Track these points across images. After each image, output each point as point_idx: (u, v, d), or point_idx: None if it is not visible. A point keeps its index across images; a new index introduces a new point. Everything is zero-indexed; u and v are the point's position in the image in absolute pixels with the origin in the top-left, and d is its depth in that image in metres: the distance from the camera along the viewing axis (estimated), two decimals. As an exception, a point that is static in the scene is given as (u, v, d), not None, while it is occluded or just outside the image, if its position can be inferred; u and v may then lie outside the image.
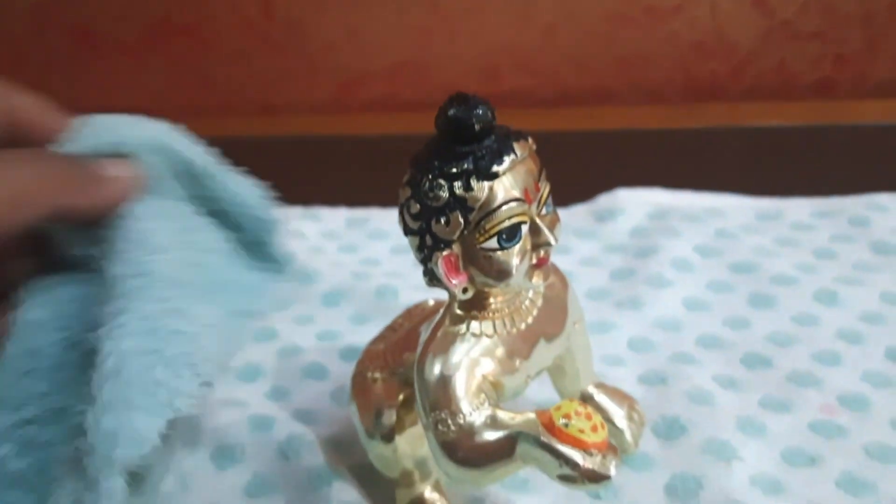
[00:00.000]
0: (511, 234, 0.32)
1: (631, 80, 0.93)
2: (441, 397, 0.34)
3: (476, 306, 0.34)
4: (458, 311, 0.35)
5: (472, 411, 0.33)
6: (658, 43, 0.91)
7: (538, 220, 0.32)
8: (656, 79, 0.93)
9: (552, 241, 0.33)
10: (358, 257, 0.62)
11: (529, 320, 0.35)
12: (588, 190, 0.68)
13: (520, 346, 0.35)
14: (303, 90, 0.98)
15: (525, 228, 0.32)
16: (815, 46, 0.89)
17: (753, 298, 0.54)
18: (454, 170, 0.31)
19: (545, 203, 0.33)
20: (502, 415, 0.33)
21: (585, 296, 0.56)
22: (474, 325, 0.34)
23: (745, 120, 0.83)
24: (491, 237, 0.32)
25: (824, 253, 0.59)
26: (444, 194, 0.31)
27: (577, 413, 0.32)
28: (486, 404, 0.34)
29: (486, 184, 0.31)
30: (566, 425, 0.32)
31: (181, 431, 0.45)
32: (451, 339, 0.34)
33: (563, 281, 0.38)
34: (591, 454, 0.32)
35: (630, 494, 0.40)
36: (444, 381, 0.34)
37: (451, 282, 0.33)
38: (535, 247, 0.33)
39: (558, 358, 0.39)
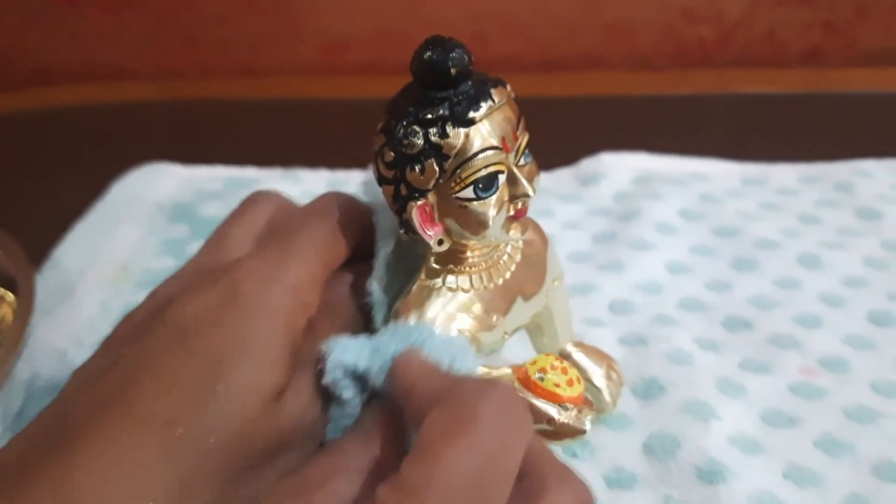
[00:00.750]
0: (488, 184, 0.31)
1: (619, 46, 0.92)
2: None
3: (452, 260, 0.34)
4: (435, 265, 0.34)
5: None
6: (646, 9, 0.90)
7: (516, 170, 0.32)
8: (645, 45, 0.92)
9: (530, 192, 0.32)
10: None
11: (507, 275, 0.35)
12: (575, 155, 0.67)
13: (497, 302, 0.35)
14: (287, 53, 0.97)
15: (502, 178, 0.32)
16: (804, 14, 0.88)
17: (736, 262, 0.54)
18: (429, 116, 0.31)
19: (523, 153, 0.32)
20: (478, 369, 0.33)
21: (568, 258, 0.56)
22: (450, 279, 0.34)
23: (734, 87, 0.83)
24: (467, 186, 0.31)
25: (809, 218, 0.59)
26: (419, 141, 0.31)
27: (552, 367, 0.32)
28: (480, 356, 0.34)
29: (462, 130, 0.31)
30: (541, 379, 0.32)
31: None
32: (427, 294, 0.34)
33: (542, 238, 0.38)
34: (566, 408, 0.32)
35: (608, 453, 0.40)
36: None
37: (426, 233, 0.32)
38: (513, 198, 0.32)
39: (536, 316, 0.39)
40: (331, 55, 0.96)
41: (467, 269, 0.34)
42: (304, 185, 0.66)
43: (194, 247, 0.58)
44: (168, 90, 0.93)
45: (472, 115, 0.31)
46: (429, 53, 0.31)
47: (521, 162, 0.33)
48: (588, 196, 0.63)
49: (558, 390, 0.32)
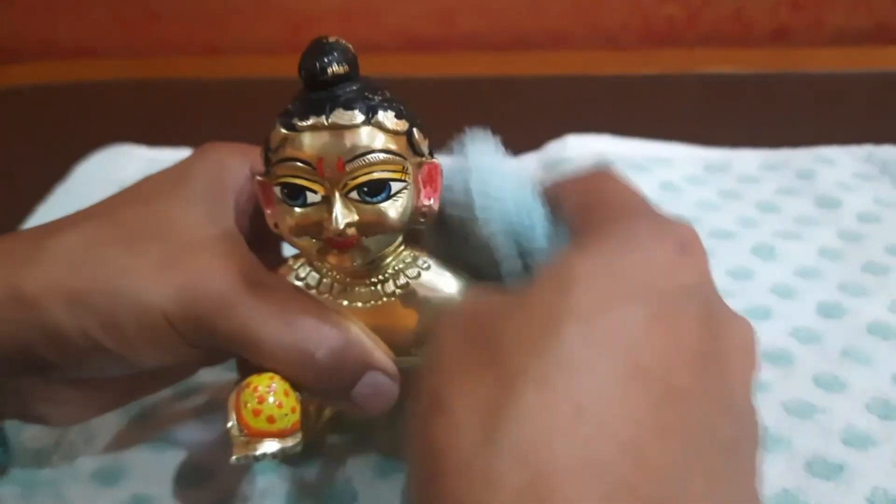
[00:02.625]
0: (293, 193, 0.32)
1: (587, 24, 0.93)
2: None
3: (311, 258, 0.35)
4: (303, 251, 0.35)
5: None
6: None
7: (335, 199, 0.31)
8: (613, 23, 0.93)
9: (332, 226, 0.31)
10: None
11: (359, 304, 0.35)
12: (541, 136, 0.68)
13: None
14: (253, 30, 0.98)
15: (312, 196, 0.31)
16: None
17: None
18: (283, 109, 0.32)
19: (354, 189, 0.31)
20: None
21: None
22: (303, 269, 0.36)
23: (702, 66, 0.84)
24: (276, 185, 0.32)
25: (767, 206, 0.60)
26: (271, 127, 0.32)
27: (254, 388, 0.33)
28: None
29: (283, 131, 0.31)
30: (243, 388, 0.33)
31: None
32: (285, 271, 0.36)
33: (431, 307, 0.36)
34: (240, 429, 0.33)
35: None
36: None
37: (265, 210, 0.34)
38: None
39: None
40: (297, 32, 0.97)
41: (323, 270, 0.36)
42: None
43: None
44: (131, 69, 0.93)
45: (295, 120, 0.31)
46: (305, 55, 0.31)
47: (354, 196, 0.32)
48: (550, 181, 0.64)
49: (244, 409, 0.33)
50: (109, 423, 0.44)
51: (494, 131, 0.34)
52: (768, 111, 0.76)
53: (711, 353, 0.27)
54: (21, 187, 0.67)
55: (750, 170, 0.64)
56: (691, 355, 0.26)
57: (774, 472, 0.40)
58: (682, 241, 0.30)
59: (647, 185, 0.61)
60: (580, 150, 0.66)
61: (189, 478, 0.41)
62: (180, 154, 0.67)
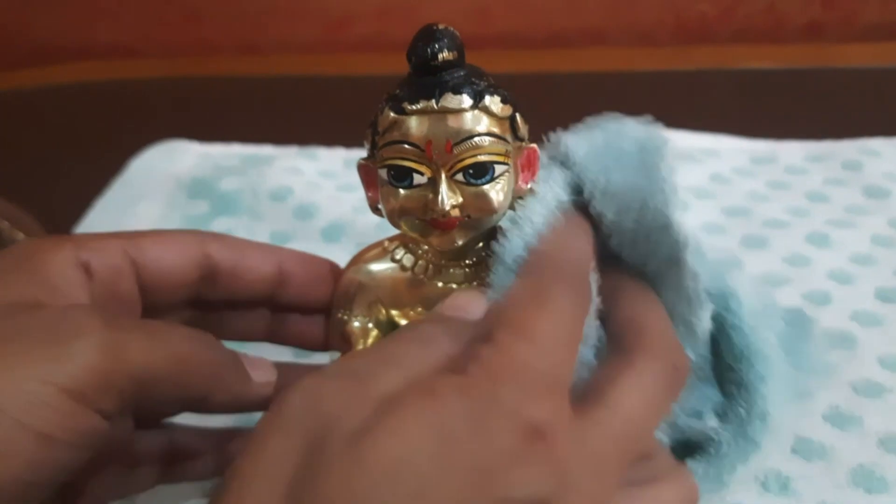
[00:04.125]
0: (399, 175, 0.33)
1: (621, 21, 0.94)
2: (337, 290, 0.39)
3: (413, 238, 0.36)
4: (402, 233, 0.36)
5: (352, 316, 0.38)
6: None
7: (441, 181, 0.32)
8: (647, 20, 0.94)
9: (437, 208, 0.32)
10: (357, 196, 0.63)
11: (453, 286, 0.36)
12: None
13: (434, 302, 0.36)
14: (290, 30, 0.99)
15: (419, 178, 0.33)
16: None
17: (746, 240, 0.56)
18: (391, 93, 0.33)
19: (460, 171, 0.33)
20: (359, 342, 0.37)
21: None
22: (400, 251, 0.37)
23: (735, 62, 0.85)
24: (383, 166, 0.33)
25: (817, 196, 0.61)
26: (378, 111, 0.33)
27: None
28: (367, 319, 0.38)
29: (392, 115, 0.32)
30: None
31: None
32: (378, 253, 0.38)
33: None
34: None
35: None
36: (343, 279, 0.39)
37: (366, 192, 0.36)
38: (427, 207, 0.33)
39: None
40: (334, 31, 0.98)
41: (419, 253, 0.37)
42: (321, 162, 0.68)
43: (215, 223, 0.60)
44: (171, 68, 0.95)
45: (405, 104, 0.32)
46: (415, 42, 0.32)
47: (460, 178, 0.33)
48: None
49: None
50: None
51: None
52: (802, 106, 0.77)
53: None
54: (67, 183, 0.69)
55: (796, 161, 0.65)
56: None
57: (848, 449, 0.41)
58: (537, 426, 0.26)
59: (698, 177, 0.63)
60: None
61: None
62: (232, 150, 0.70)
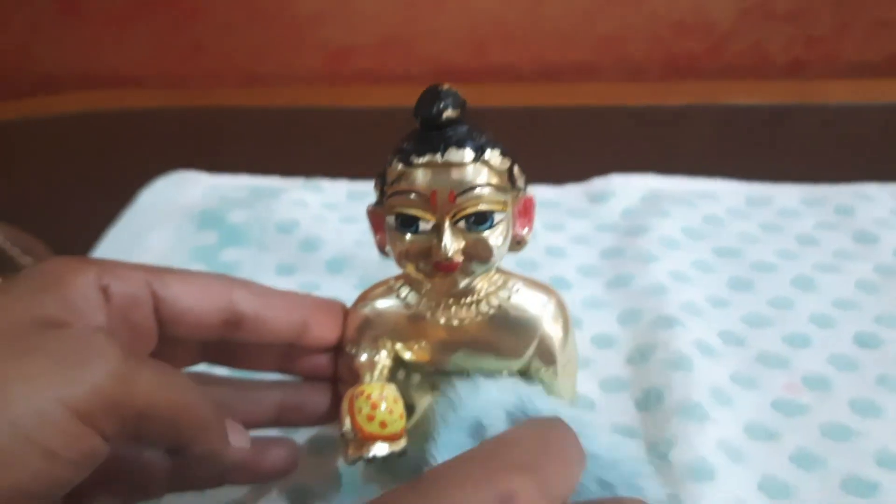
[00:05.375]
0: (406, 222, 0.37)
1: (612, 56, 0.99)
2: (345, 326, 0.42)
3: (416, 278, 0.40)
4: (407, 273, 0.40)
5: (360, 350, 0.41)
6: (639, 21, 0.97)
7: (445, 228, 0.37)
8: (637, 56, 0.99)
9: (440, 253, 0.36)
10: (360, 227, 0.67)
11: (455, 322, 0.40)
12: (570, 165, 0.74)
13: (438, 339, 0.41)
14: (291, 62, 1.04)
15: (424, 225, 0.37)
16: (788, 28, 0.96)
17: (733, 281, 0.60)
18: (399, 146, 0.37)
19: (462, 218, 0.37)
20: (366, 374, 0.40)
21: (577, 271, 0.62)
22: (405, 289, 0.41)
23: (721, 98, 0.90)
24: (390, 213, 0.38)
25: (807, 240, 0.64)
26: (387, 163, 0.38)
27: (367, 396, 0.38)
28: (374, 353, 0.41)
29: (400, 167, 0.37)
30: (357, 396, 0.38)
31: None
32: (384, 290, 0.42)
33: (554, 319, 0.41)
34: (353, 433, 0.38)
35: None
36: (351, 315, 0.42)
37: (374, 236, 0.40)
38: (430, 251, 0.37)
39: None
40: (334, 64, 1.03)
41: (423, 291, 0.41)
42: (325, 194, 0.73)
43: (223, 254, 0.65)
44: (175, 98, 0.99)
45: (412, 157, 0.36)
46: (421, 101, 0.36)
47: (462, 225, 0.37)
48: (597, 213, 0.69)
49: (357, 415, 0.38)
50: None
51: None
52: (784, 140, 0.82)
53: None
54: (73, 212, 0.73)
55: (791, 203, 0.69)
56: None
57: (812, 490, 0.45)
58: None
59: (692, 219, 0.67)
60: (625, 185, 0.72)
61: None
62: (239, 181, 0.74)
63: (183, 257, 0.65)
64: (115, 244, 0.67)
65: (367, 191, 0.71)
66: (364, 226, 0.66)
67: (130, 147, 0.89)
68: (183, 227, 0.69)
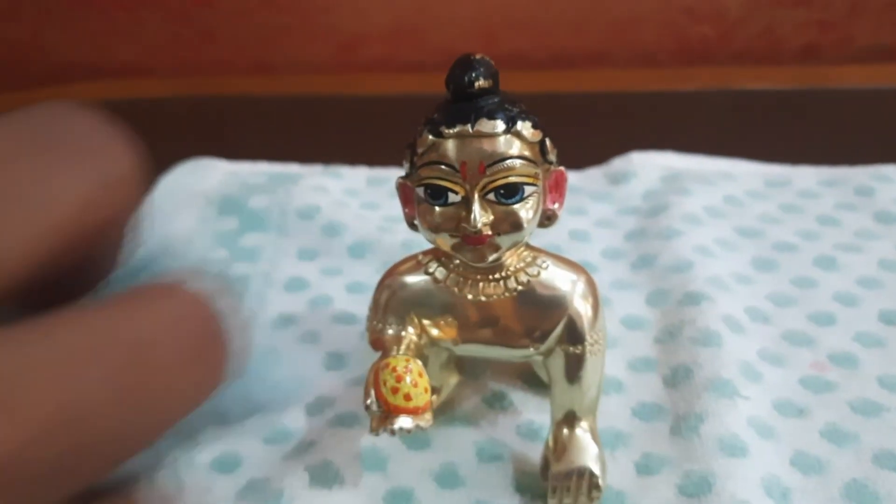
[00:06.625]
0: (435, 193, 0.37)
1: (624, 43, 1.00)
2: (373, 300, 0.43)
3: (446, 253, 0.40)
4: (436, 248, 0.40)
5: (383, 324, 0.42)
6: (650, 6, 0.97)
7: (474, 199, 0.36)
8: (648, 42, 0.99)
9: (469, 225, 0.36)
10: (380, 214, 0.68)
11: (482, 298, 0.40)
12: (585, 151, 0.72)
13: (465, 315, 0.41)
14: (302, 50, 1.04)
15: (453, 196, 0.37)
16: (800, 12, 0.96)
17: (755, 261, 0.60)
18: (430, 117, 0.37)
19: (492, 191, 0.37)
20: (392, 347, 0.41)
21: (601, 255, 0.62)
22: (433, 264, 0.41)
23: (733, 83, 0.90)
24: (420, 185, 0.38)
25: (827, 220, 0.65)
26: (417, 133, 0.38)
27: (392, 368, 0.38)
28: (401, 327, 0.42)
29: (430, 137, 0.37)
30: (382, 368, 0.38)
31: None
32: (413, 266, 0.42)
33: (568, 299, 0.40)
34: (378, 405, 0.38)
35: (639, 441, 0.47)
36: (379, 289, 0.43)
37: (403, 209, 0.40)
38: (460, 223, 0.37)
39: (536, 364, 0.46)
40: (345, 52, 1.03)
41: (452, 267, 0.41)
42: (345, 180, 0.73)
43: (244, 238, 0.65)
44: (186, 86, 1.00)
45: (443, 128, 0.36)
46: (453, 69, 0.37)
47: (491, 197, 0.37)
48: (618, 195, 0.69)
49: (382, 387, 0.38)
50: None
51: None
52: (797, 125, 0.82)
53: None
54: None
55: (809, 185, 0.69)
56: None
57: (843, 465, 0.45)
58: None
59: (712, 198, 0.67)
60: (644, 164, 0.72)
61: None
62: (258, 168, 0.74)
63: (204, 242, 0.66)
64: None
65: (387, 177, 0.74)
66: (386, 212, 0.68)
67: (143, 136, 0.87)
68: (204, 212, 0.69)
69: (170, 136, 0.87)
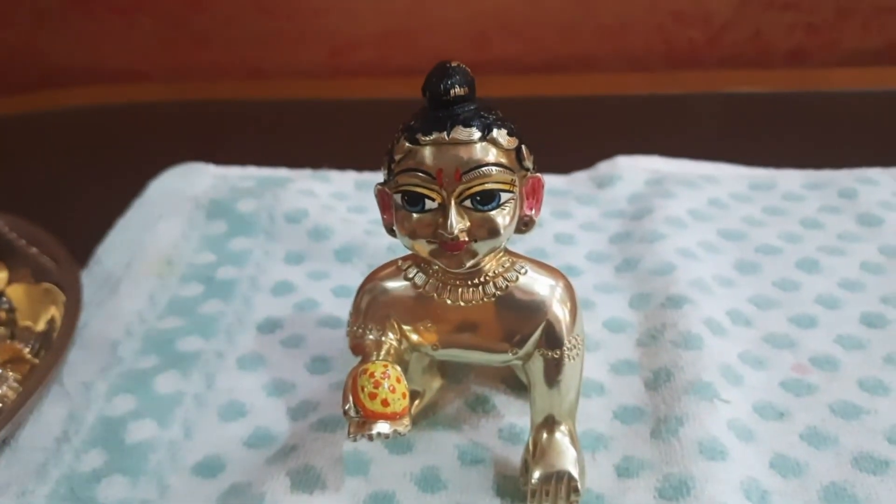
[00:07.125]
0: (412, 200, 0.37)
1: (614, 47, 1.00)
2: (353, 305, 0.43)
3: (425, 258, 0.40)
4: (414, 254, 0.40)
5: (364, 329, 0.42)
6: (639, 11, 0.98)
7: (451, 206, 0.37)
8: (638, 47, 1.00)
9: (446, 232, 0.36)
10: (367, 218, 0.68)
11: (461, 303, 0.41)
12: (574, 155, 0.74)
13: (445, 320, 0.41)
14: (294, 54, 1.04)
15: (430, 203, 0.37)
16: (788, 16, 0.96)
17: (738, 263, 0.61)
18: (407, 124, 0.37)
19: (468, 197, 0.37)
20: (372, 353, 0.41)
21: (586, 258, 0.62)
22: (412, 270, 0.41)
23: (722, 86, 0.91)
24: (397, 192, 0.38)
25: (811, 223, 0.65)
26: (395, 140, 0.38)
27: (370, 374, 0.38)
28: (381, 333, 0.42)
29: (407, 144, 0.37)
30: (360, 374, 0.38)
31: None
32: (393, 271, 0.42)
33: (546, 303, 0.41)
34: (356, 411, 0.38)
35: (620, 444, 0.47)
36: (359, 295, 0.43)
37: (382, 215, 0.40)
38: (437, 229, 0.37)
39: (517, 368, 0.45)
40: (337, 57, 1.03)
41: (430, 272, 0.41)
42: (333, 184, 0.73)
43: (233, 242, 0.65)
44: (179, 91, 1.00)
45: (419, 135, 0.36)
46: (430, 77, 0.36)
47: (468, 204, 0.37)
48: (604, 198, 0.69)
49: (360, 393, 0.38)
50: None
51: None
52: (785, 129, 0.83)
53: None
54: (80, 204, 0.74)
55: (793, 188, 0.69)
56: None
57: (823, 468, 0.45)
58: None
59: (697, 201, 0.67)
60: (630, 168, 0.72)
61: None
62: (247, 172, 0.74)
63: (193, 246, 0.66)
64: (125, 233, 0.67)
65: (375, 181, 0.71)
66: (373, 215, 0.68)
67: (136, 140, 0.89)
68: (192, 216, 0.69)
69: (163, 139, 0.88)
